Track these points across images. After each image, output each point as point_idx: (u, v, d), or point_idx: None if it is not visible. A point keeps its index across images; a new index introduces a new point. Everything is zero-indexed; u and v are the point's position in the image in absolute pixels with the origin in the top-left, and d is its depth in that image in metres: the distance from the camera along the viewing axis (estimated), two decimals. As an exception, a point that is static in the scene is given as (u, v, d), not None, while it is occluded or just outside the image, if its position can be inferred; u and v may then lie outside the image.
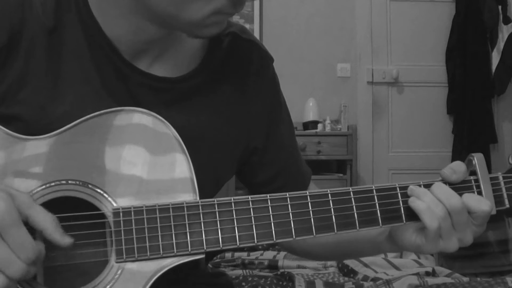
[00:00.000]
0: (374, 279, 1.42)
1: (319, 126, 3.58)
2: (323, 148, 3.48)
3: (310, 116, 3.65)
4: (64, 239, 0.59)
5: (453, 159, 3.78)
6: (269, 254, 1.68)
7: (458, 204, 0.69)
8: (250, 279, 1.36)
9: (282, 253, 1.65)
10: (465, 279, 1.36)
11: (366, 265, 1.56)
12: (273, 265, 1.57)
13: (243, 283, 1.32)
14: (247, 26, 3.61)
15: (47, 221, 0.58)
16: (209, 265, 1.58)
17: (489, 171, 0.74)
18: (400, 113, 3.93)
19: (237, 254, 1.69)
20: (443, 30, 3.91)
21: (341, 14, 3.91)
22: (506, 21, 3.78)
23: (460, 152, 3.74)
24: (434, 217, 0.68)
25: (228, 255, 1.68)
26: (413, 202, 0.70)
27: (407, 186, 0.72)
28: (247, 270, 1.52)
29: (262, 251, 1.72)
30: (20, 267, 0.55)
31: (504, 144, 3.94)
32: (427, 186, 0.71)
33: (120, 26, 0.73)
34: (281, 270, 1.50)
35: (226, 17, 0.72)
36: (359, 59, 3.91)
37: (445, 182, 0.72)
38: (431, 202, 0.69)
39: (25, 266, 0.55)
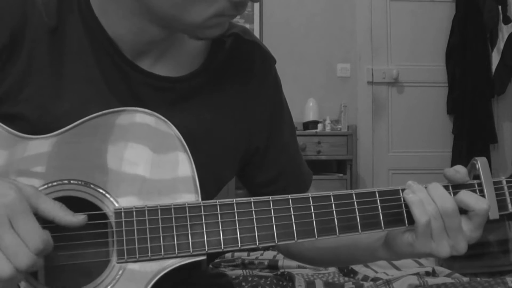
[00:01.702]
0: (374, 279, 1.42)
1: (319, 126, 3.58)
2: (323, 148, 3.48)
3: (310, 116, 3.66)
4: (78, 219, 0.60)
5: (453, 159, 3.78)
6: (269, 254, 1.68)
7: (451, 207, 0.68)
8: (250, 279, 1.36)
9: (282, 253, 1.65)
10: (465, 279, 1.36)
11: (366, 265, 1.56)
12: (273, 265, 1.57)
13: (243, 283, 1.32)
14: (247, 26, 3.60)
15: (56, 209, 0.59)
16: (210, 265, 1.58)
17: (490, 173, 0.74)
18: (400, 113, 3.93)
19: (237, 254, 1.69)
20: (443, 30, 3.91)
21: (341, 14, 3.91)
22: (506, 21, 3.78)
23: (460, 152, 3.74)
24: (424, 212, 0.68)
25: (228, 255, 1.68)
26: (407, 195, 0.70)
27: None
28: (247, 270, 1.52)
29: (262, 251, 1.73)
30: (29, 256, 0.55)
31: (504, 144, 3.95)
32: None
33: (122, 26, 0.73)
34: (281, 270, 1.50)
35: (228, 19, 0.72)
36: (359, 59, 3.91)
37: (447, 184, 0.72)
38: (425, 198, 0.69)
39: (33, 256, 0.55)
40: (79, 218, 0.60)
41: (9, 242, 0.55)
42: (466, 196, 0.70)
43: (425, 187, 0.71)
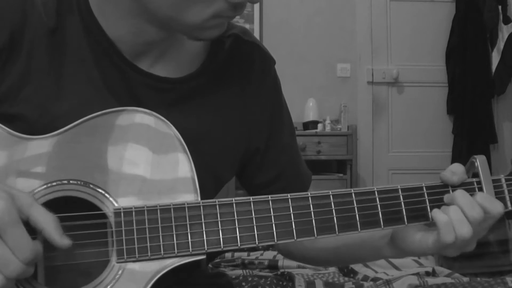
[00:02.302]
0: (374, 279, 1.42)
1: (319, 126, 3.58)
2: (323, 148, 3.48)
3: (310, 116, 3.65)
4: (62, 241, 0.59)
5: (453, 159, 3.78)
6: (269, 254, 1.68)
7: (480, 215, 0.68)
8: (250, 279, 1.36)
9: (282, 253, 1.65)
10: (465, 279, 1.36)
11: (366, 265, 1.56)
12: (273, 265, 1.57)
13: (243, 283, 1.32)
14: (247, 26, 3.61)
15: (47, 221, 0.58)
16: (209, 265, 1.58)
17: (489, 171, 0.74)
18: (400, 113, 3.93)
19: (237, 254, 1.69)
20: (443, 30, 3.91)
21: (341, 14, 3.91)
22: (506, 21, 3.78)
23: (460, 152, 3.74)
24: (452, 233, 0.67)
25: (228, 255, 1.68)
26: (435, 214, 0.69)
27: (409, 188, 0.71)
28: (247, 270, 1.52)
29: (262, 251, 1.73)
30: (18, 266, 0.55)
31: (504, 144, 3.95)
32: (432, 187, 0.71)
33: (120, 27, 0.73)
34: (281, 270, 1.50)
35: (227, 20, 0.72)
36: (359, 59, 3.91)
37: (447, 185, 0.72)
38: (456, 217, 0.68)
39: (22, 266, 0.56)
40: (64, 242, 0.59)
41: None
42: (483, 201, 0.69)
43: (423, 186, 0.71)
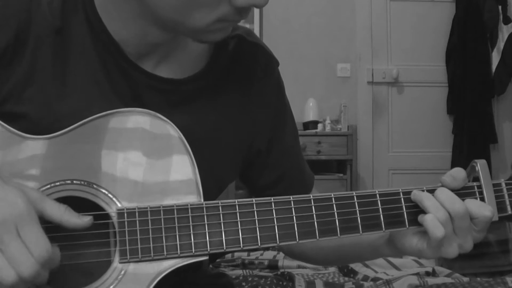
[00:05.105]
0: (374, 279, 1.42)
1: (319, 126, 3.58)
2: (323, 148, 3.48)
3: (310, 116, 3.66)
4: (83, 220, 0.60)
5: (453, 159, 3.79)
6: (269, 254, 1.68)
7: (461, 209, 0.68)
8: (250, 279, 1.36)
9: (282, 253, 1.65)
10: (465, 279, 1.36)
11: (366, 265, 1.56)
12: (273, 265, 1.57)
13: (243, 283, 1.32)
14: (247, 26, 3.61)
15: (61, 213, 0.59)
16: (210, 265, 1.58)
17: (489, 171, 0.74)
18: (400, 113, 3.93)
19: (237, 254, 1.69)
20: (443, 30, 3.91)
21: (341, 14, 3.91)
22: (506, 21, 3.79)
23: (460, 152, 3.74)
24: (439, 226, 0.68)
25: (228, 255, 1.68)
26: (425, 221, 0.69)
27: (410, 191, 0.71)
28: (247, 270, 1.52)
29: (262, 251, 1.73)
30: (33, 265, 0.55)
31: (504, 144, 3.95)
32: (431, 191, 0.71)
33: (125, 28, 0.74)
34: (281, 270, 1.50)
35: (231, 24, 0.72)
36: (359, 59, 3.91)
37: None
38: (433, 207, 0.69)
39: (37, 265, 0.55)
40: (85, 220, 0.61)
41: (14, 250, 0.55)
42: (469, 205, 0.70)
43: (424, 190, 0.71)
